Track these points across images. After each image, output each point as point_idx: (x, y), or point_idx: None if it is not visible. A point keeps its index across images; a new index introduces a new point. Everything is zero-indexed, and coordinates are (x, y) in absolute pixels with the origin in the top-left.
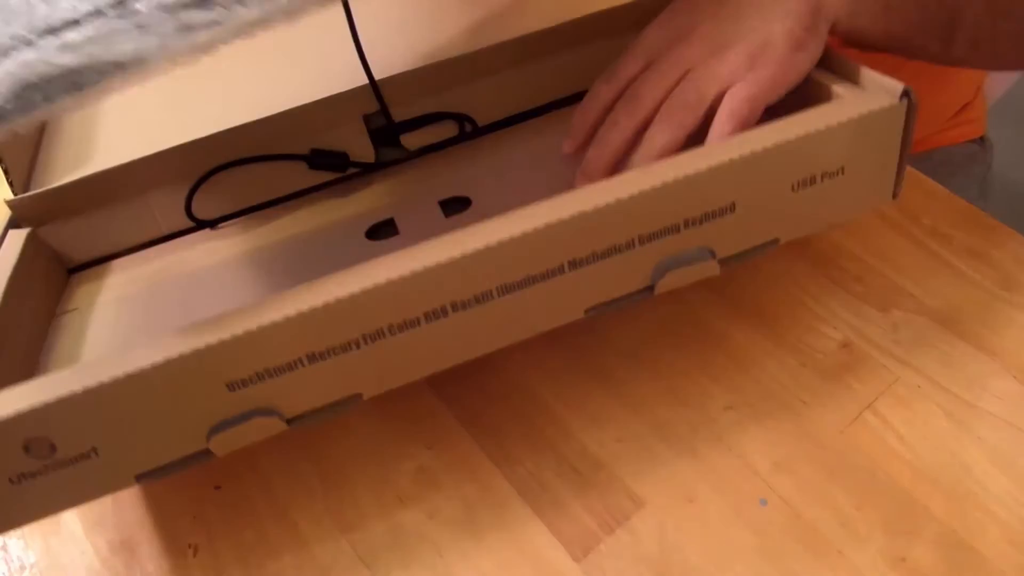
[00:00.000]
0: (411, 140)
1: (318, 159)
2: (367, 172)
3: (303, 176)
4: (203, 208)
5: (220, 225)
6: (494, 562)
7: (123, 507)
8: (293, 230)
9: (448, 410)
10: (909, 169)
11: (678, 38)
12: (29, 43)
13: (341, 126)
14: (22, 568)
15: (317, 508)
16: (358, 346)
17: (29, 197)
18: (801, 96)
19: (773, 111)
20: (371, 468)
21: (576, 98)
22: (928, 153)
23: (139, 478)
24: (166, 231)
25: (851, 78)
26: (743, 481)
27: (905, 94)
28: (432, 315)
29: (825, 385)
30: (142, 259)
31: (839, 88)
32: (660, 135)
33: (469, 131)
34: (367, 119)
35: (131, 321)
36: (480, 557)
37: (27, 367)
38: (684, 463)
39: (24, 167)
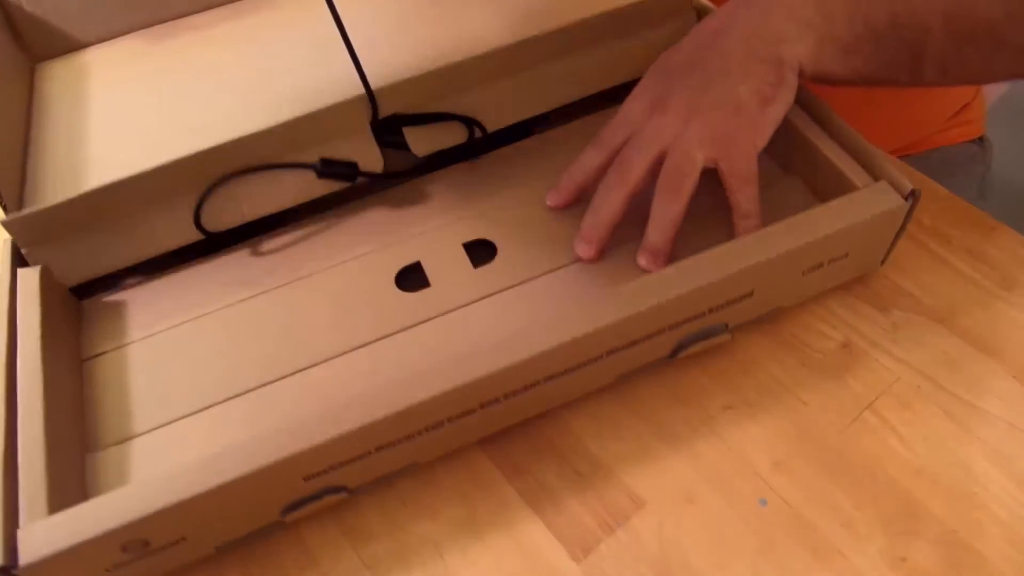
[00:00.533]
0: (419, 145)
1: (327, 169)
2: (377, 184)
3: (312, 186)
4: (210, 220)
5: (236, 248)
6: (494, 562)
7: None
8: (317, 264)
9: None
10: (909, 169)
11: (655, 109)
12: None
13: (348, 136)
14: None
15: (319, 511)
16: (420, 435)
17: (26, 217)
18: (818, 172)
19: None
20: None
21: (583, 103)
22: (927, 153)
23: (217, 549)
24: (169, 247)
25: (867, 165)
26: (743, 481)
27: (911, 194)
28: (487, 404)
29: (825, 385)
30: (154, 290)
31: (853, 175)
32: (668, 207)
33: (479, 137)
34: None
35: (166, 371)
36: (480, 557)
37: (78, 425)
38: (684, 463)
39: (14, 184)
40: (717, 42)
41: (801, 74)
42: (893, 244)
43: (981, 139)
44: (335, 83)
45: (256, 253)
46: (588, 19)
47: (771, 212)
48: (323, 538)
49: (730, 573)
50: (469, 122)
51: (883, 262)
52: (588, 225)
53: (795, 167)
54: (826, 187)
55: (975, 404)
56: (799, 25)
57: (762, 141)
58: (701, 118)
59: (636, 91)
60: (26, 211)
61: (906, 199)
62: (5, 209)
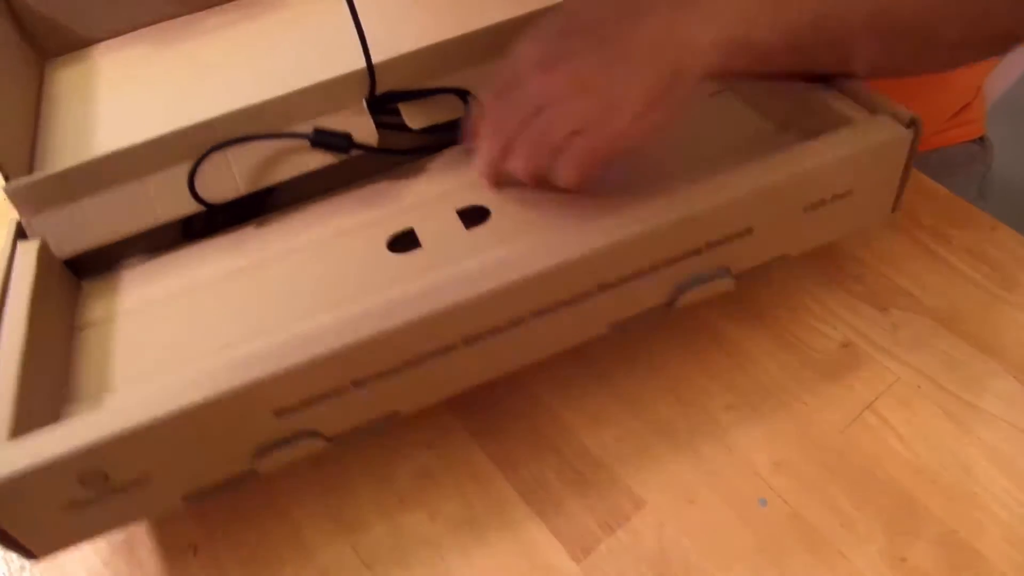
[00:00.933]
0: (414, 119)
1: (321, 138)
2: (371, 162)
3: (307, 159)
4: (206, 191)
5: (234, 228)
6: (494, 562)
7: None
8: (310, 236)
9: (448, 410)
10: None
11: (546, 66)
12: None
13: (345, 110)
14: (22, 568)
15: (317, 508)
16: (399, 371)
17: (27, 183)
18: (815, 118)
19: (791, 126)
20: (372, 468)
21: None
22: (928, 153)
23: (185, 499)
24: (164, 219)
25: (863, 101)
26: (743, 481)
27: (912, 122)
28: (470, 339)
29: (825, 385)
30: (153, 267)
31: (851, 112)
32: (519, 164)
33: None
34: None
35: (155, 336)
36: (480, 557)
37: (60, 388)
38: (684, 463)
39: (23, 160)
40: (629, 24)
41: (708, 75)
42: (901, 187)
43: (981, 139)
44: (333, 61)
45: (249, 232)
46: None
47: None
48: (323, 538)
49: (730, 573)
50: (463, 94)
51: (894, 209)
52: (475, 167)
53: (793, 122)
54: (826, 130)
55: (975, 404)
56: (715, 34)
57: (629, 144)
58: (584, 99)
59: (535, 36)
60: (24, 179)
61: (907, 127)
62: (7, 178)
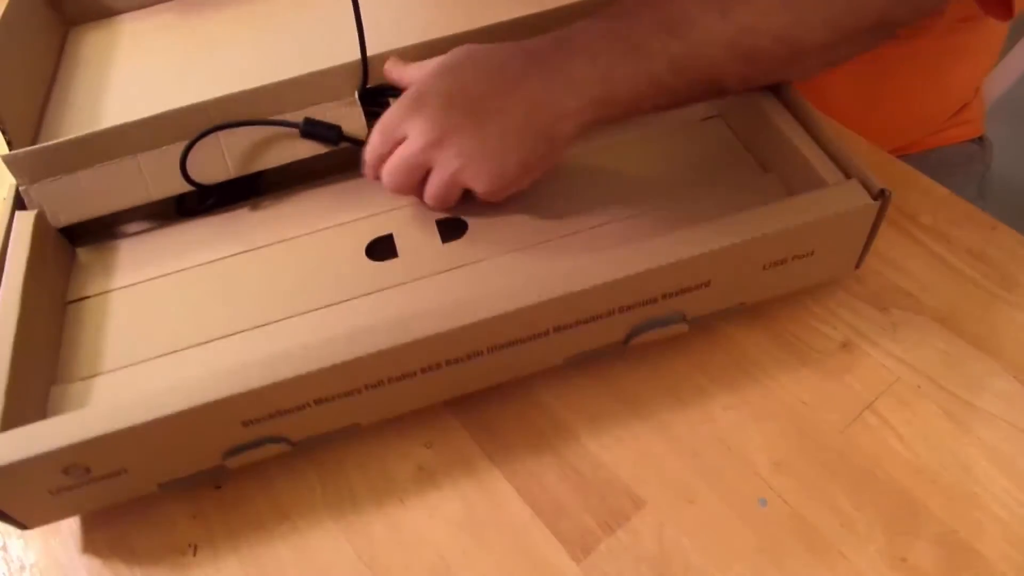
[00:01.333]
0: None
1: (311, 129)
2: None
3: (296, 149)
4: (197, 172)
5: (219, 211)
6: (494, 562)
7: (123, 506)
8: (294, 230)
9: (448, 410)
10: (908, 169)
11: (431, 137)
12: None
13: (337, 100)
14: (22, 568)
15: (317, 508)
16: (360, 392)
17: (25, 153)
18: (792, 168)
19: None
20: (371, 468)
21: None
22: (926, 153)
23: (161, 486)
24: (157, 196)
25: (840, 162)
26: (743, 481)
27: (881, 193)
28: (427, 369)
29: (825, 385)
30: (144, 244)
31: (825, 172)
32: (433, 205)
33: None
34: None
35: (141, 319)
36: (480, 557)
37: (49, 366)
38: (684, 463)
39: (29, 129)
40: (503, 99)
41: (582, 132)
42: (866, 247)
43: (981, 139)
44: (333, 50)
45: (241, 216)
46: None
47: (742, 205)
48: (323, 537)
49: (730, 573)
50: None
51: (857, 266)
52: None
53: (774, 165)
54: (801, 185)
55: (975, 404)
56: (579, 98)
57: (506, 195)
58: (470, 168)
59: (422, 95)
60: (23, 150)
61: (875, 198)
62: (10, 145)
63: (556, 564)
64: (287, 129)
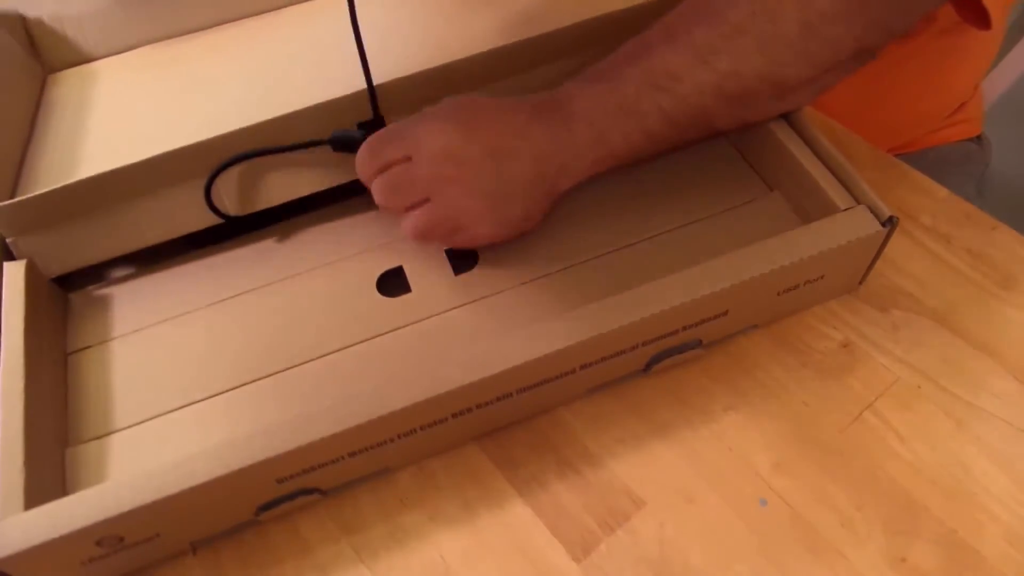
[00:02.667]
0: None
1: (342, 138)
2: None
3: (309, 180)
4: (218, 204)
5: (222, 247)
6: (494, 562)
7: None
8: (301, 266)
9: None
10: (908, 169)
11: (447, 175)
12: None
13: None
14: None
15: (317, 508)
16: (393, 441)
17: (10, 205)
18: (801, 191)
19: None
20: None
21: None
22: (925, 152)
23: (192, 544)
24: (152, 241)
25: (849, 185)
26: (743, 481)
27: (889, 221)
28: (458, 414)
29: (825, 385)
30: (141, 286)
31: (835, 195)
32: (411, 235)
33: None
34: (361, 126)
35: (147, 367)
36: (480, 557)
37: (61, 427)
38: (684, 463)
39: (8, 178)
40: (516, 142)
41: (580, 183)
42: (870, 267)
43: (979, 137)
44: (332, 84)
45: (241, 253)
46: (582, 23)
47: (752, 227)
48: (323, 537)
49: (730, 573)
50: None
51: (861, 283)
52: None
53: (779, 184)
54: (808, 205)
55: (975, 404)
56: (581, 159)
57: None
58: (474, 212)
59: (441, 119)
60: (9, 201)
61: (884, 225)
62: None
63: (556, 564)
64: (305, 155)
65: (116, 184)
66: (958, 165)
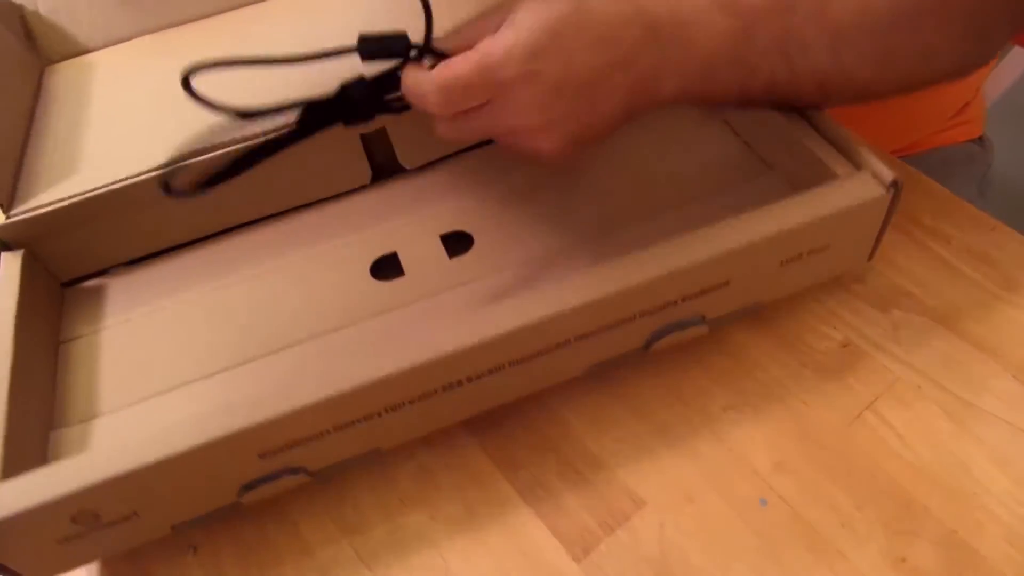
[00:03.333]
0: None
1: (371, 47)
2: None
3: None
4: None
5: (219, 236)
6: (494, 562)
7: None
8: (295, 252)
9: None
10: (909, 170)
11: (536, 126)
12: None
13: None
14: None
15: (317, 508)
16: (380, 415)
17: (19, 222)
18: (799, 162)
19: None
20: (371, 467)
21: None
22: (927, 153)
23: (174, 527)
24: (152, 249)
25: (848, 154)
26: (743, 481)
27: (893, 184)
28: (448, 387)
29: (825, 385)
30: (137, 278)
31: (835, 165)
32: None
33: None
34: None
35: (138, 354)
36: (480, 557)
37: (46, 410)
38: (684, 463)
39: (7, 177)
40: (613, 78)
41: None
42: (879, 239)
43: (981, 139)
44: (330, 76)
45: (236, 242)
46: None
47: (751, 205)
48: (323, 537)
49: (730, 573)
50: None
51: (870, 258)
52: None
53: (777, 162)
54: (808, 179)
55: (975, 404)
56: (676, 88)
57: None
58: (556, 141)
59: (532, 69)
60: (15, 217)
61: (887, 189)
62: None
63: (556, 564)
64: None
65: (127, 195)
66: (960, 166)
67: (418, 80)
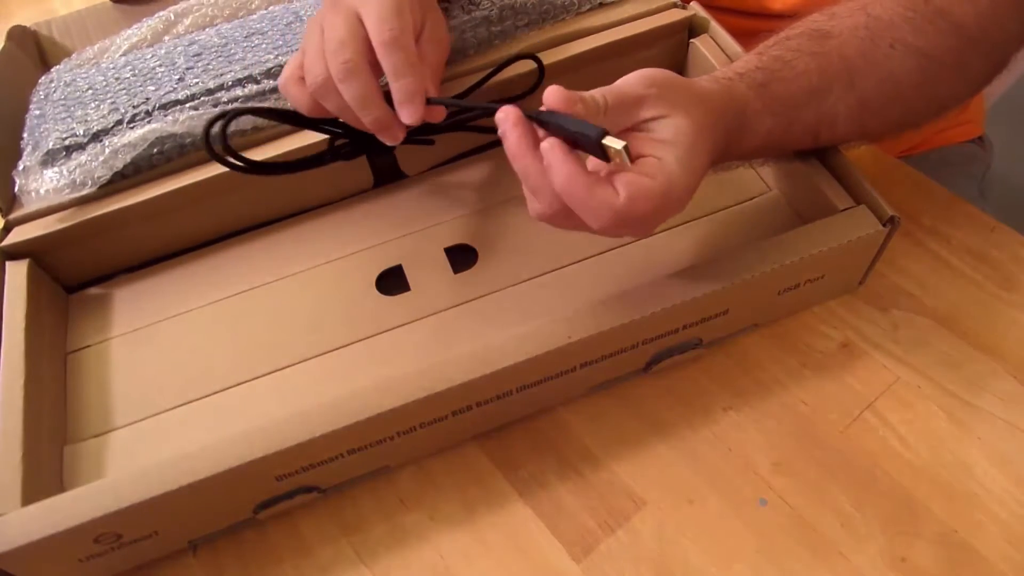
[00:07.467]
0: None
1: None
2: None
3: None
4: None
5: (222, 245)
6: (494, 562)
7: None
8: (301, 265)
9: None
10: (909, 169)
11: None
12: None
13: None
14: None
15: (317, 508)
16: (392, 439)
17: (26, 240)
18: (801, 191)
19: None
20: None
21: None
22: (927, 153)
23: (191, 543)
24: (174, 248)
25: (850, 187)
26: (743, 481)
27: (890, 220)
28: (458, 411)
29: (825, 385)
30: (142, 285)
31: (835, 197)
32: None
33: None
34: None
35: (147, 366)
36: (480, 557)
37: (60, 425)
38: (684, 463)
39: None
40: (707, 166)
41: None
42: (871, 266)
43: (981, 139)
44: None
45: (241, 251)
46: (595, 48)
47: (751, 225)
48: (323, 537)
49: (730, 573)
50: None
51: (861, 283)
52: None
53: (778, 182)
54: (807, 205)
55: (975, 404)
56: (747, 148)
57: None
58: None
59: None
60: (31, 236)
61: (884, 225)
62: (3, 212)
63: (556, 564)
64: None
65: (139, 211)
66: (961, 166)
67: (596, 197)
